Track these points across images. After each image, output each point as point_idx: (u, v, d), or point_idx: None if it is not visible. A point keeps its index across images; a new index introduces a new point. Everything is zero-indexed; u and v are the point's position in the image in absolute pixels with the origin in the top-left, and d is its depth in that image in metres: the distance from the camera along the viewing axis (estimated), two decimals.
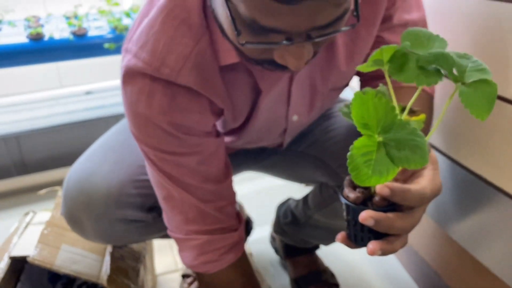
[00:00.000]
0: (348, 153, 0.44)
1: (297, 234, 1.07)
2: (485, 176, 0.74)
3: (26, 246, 0.91)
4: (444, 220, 0.88)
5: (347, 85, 0.79)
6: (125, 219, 0.77)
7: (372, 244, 0.48)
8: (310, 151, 0.89)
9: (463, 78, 0.45)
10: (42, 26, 1.50)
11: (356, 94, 0.43)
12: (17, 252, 0.89)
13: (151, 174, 0.70)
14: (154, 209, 0.79)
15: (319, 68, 0.70)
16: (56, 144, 1.54)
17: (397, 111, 0.44)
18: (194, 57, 0.60)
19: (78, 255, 0.87)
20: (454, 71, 0.46)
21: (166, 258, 1.21)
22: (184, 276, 1.11)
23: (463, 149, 0.78)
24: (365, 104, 0.43)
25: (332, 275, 1.11)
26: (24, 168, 1.52)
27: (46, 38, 1.43)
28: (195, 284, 1.09)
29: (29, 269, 0.96)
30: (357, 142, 0.44)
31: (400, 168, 0.45)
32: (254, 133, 0.78)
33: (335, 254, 1.19)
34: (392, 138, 0.43)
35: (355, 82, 0.84)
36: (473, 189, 0.77)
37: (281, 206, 1.14)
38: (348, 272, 1.15)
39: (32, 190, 1.52)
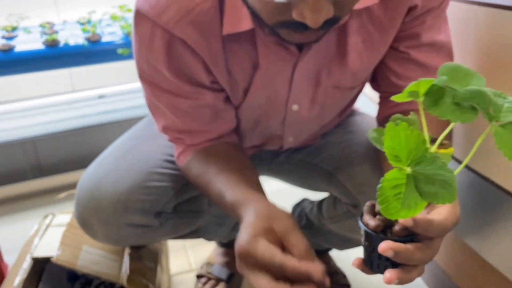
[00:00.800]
0: (378, 185, 0.44)
1: (311, 238, 1.08)
2: (495, 180, 0.75)
3: (47, 247, 0.94)
4: None
5: (354, 90, 0.80)
6: (133, 224, 0.79)
7: (390, 273, 0.49)
8: (324, 165, 0.89)
9: (498, 118, 0.45)
10: (56, 32, 1.54)
11: (389, 125, 0.43)
12: (39, 253, 0.92)
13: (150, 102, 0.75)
14: (161, 214, 0.81)
15: (327, 62, 0.72)
16: (71, 147, 1.57)
17: (428, 144, 0.44)
18: (196, 13, 0.63)
19: (98, 255, 0.90)
20: (490, 109, 0.45)
21: (180, 259, 1.24)
22: (199, 277, 1.14)
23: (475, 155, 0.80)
24: (397, 135, 0.43)
25: (343, 276, 1.13)
26: (40, 171, 1.56)
27: (61, 44, 1.46)
28: (210, 284, 1.11)
29: (50, 270, 0.99)
30: (388, 175, 0.44)
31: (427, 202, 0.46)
32: (252, 115, 0.79)
33: (347, 255, 1.20)
34: (422, 172, 0.44)
35: (368, 89, 0.85)
36: (483, 193, 0.78)
37: (296, 207, 1.14)
38: (359, 272, 1.16)
39: (48, 192, 1.55)
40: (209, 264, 1.14)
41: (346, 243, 0.99)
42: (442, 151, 0.48)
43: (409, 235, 0.50)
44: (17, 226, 1.42)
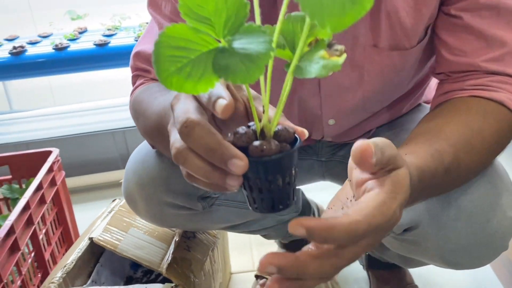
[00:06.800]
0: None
1: (376, 251, 0.95)
2: None
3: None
4: None
5: (395, 59, 0.67)
6: (175, 204, 0.76)
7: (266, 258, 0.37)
8: None
9: None
10: None
11: None
12: (95, 234, 0.93)
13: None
14: (206, 199, 0.77)
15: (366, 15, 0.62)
16: None
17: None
18: None
19: (144, 241, 0.88)
20: None
21: (243, 257, 1.18)
22: (258, 277, 1.07)
23: None
24: None
25: None
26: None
27: None
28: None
29: (110, 253, 1.00)
30: (172, 29, 0.34)
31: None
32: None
33: (426, 270, 1.04)
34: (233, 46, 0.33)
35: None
36: None
37: None
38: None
39: None
40: None
41: (407, 261, 0.84)
42: (334, 58, 0.35)
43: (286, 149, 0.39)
44: None
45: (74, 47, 1.51)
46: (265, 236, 0.98)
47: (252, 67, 0.32)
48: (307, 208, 1.01)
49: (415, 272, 1.03)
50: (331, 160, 0.89)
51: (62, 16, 1.77)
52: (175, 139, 0.40)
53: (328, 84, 0.71)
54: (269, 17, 0.63)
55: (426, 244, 0.65)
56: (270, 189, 0.39)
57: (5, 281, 0.83)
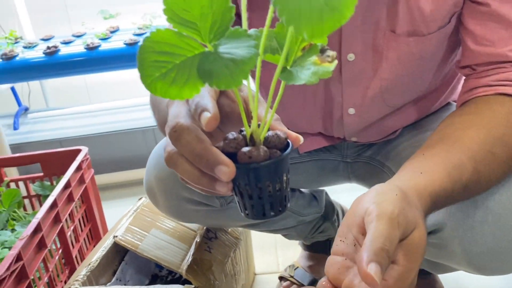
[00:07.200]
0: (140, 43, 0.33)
1: None
2: None
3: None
4: None
5: (413, 46, 0.64)
6: (193, 200, 0.76)
7: None
8: (395, 169, 0.76)
9: None
10: None
11: None
12: (119, 233, 0.94)
13: None
14: (223, 196, 0.75)
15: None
16: None
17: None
18: None
19: (164, 241, 0.88)
20: None
21: (268, 258, 1.17)
22: (281, 279, 1.06)
23: None
24: None
25: None
26: None
27: None
28: None
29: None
30: (156, 35, 0.33)
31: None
32: None
33: (458, 278, 0.99)
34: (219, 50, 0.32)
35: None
36: None
37: None
38: None
39: None
40: (293, 266, 1.06)
41: (435, 266, 0.81)
42: (325, 64, 0.34)
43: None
44: None
45: (105, 46, 1.53)
46: (286, 236, 0.97)
47: (236, 72, 0.31)
48: (330, 210, 0.99)
49: (445, 278, 0.99)
50: (356, 161, 0.86)
51: (95, 15, 1.80)
52: (168, 142, 0.40)
53: (349, 70, 0.69)
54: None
55: (452, 247, 0.62)
56: (260, 196, 0.39)
57: (31, 277, 0.85)
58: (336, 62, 0.35)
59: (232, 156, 0.38)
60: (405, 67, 0.68)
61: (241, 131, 0.40)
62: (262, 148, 0.38)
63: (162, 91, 0.33)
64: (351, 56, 0.67)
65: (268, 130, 0.39)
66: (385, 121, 0.77)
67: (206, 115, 0.37)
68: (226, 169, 0.37)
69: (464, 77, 0.65)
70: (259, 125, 0.38)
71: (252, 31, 0.34)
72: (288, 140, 0.40)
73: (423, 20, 0.62)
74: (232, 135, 0.39)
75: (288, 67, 0.35)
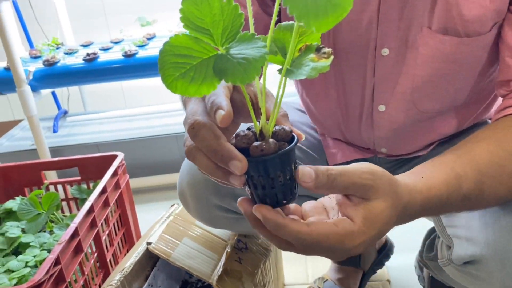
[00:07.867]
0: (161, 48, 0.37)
1: (441, 274, 0.90)
2: None
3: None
4: None
5: (448, 48, 0.64)
6: (222, 207, 0.76)
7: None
8: None
9: None
10: None
11: None
12: (152, 239, 0.96)
13: None
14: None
15: None
16: None
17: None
18: None
19: (196, 250, 0.89)
20: None
21: (297, 269, 1.17)
22: None
23: None
24: (208, 4, 0.35)
25: None
26: None
27: None
28: None
29: None
30: (176, 40, 0.36)
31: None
32: (334, 67, 0.71)
33: None
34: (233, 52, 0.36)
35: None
36: None
37: (429, 234, 0.96)
38: None
39: None
40: (322, 279, 1.05)
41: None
42: (322, 60, 0.38)
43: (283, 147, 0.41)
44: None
45: (142, 53, 1.57)
46: None
47: (248, 68, 0.35)
48: None
49: None
50: None
51: (133, 22, 1.85)
52: (186, 137, 0.44)
53: (383, 65, 0.69)
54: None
55: (490, 280, 0.60)
56: (273, 186, 0.42)
57: (68, 280, 0.88)
58: (332, 57, 0.38)
59: (245, 150, 0.41)
60: (438, 67, 0.67)
61: (249, 128, 0.44)
62: (272, 141, 0.41)
63: (182, 89, 0.37)
64: (385, 51, 0.67)
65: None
66: (415, 129, 0.75)
67: (221, 113, 0.41)
68: (239, 164, 0.40)
69: (499, 90, 0.64)
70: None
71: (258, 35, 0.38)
72: (293, 133, 0.43)
73: (461, 19, 0.61)
74: (243, 132, 0.43)
75: (288, 67, 0.39)
